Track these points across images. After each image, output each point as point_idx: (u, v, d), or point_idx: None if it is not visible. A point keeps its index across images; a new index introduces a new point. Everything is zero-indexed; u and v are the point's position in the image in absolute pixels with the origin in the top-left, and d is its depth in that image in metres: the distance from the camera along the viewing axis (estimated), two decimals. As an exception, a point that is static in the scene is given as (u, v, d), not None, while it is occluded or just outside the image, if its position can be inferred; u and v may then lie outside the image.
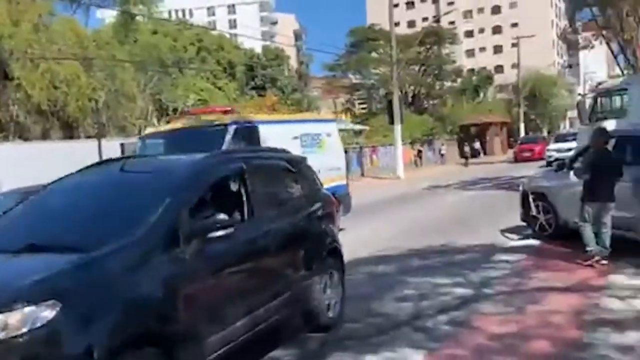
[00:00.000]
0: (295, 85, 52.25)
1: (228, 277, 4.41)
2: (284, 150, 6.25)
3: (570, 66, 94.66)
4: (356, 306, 6.31)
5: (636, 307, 5.79)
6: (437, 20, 60.20)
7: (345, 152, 15.57)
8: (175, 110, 32.83)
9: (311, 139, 11.78)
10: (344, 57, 52.56)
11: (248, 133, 10.11)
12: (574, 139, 25.07)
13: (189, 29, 46.37)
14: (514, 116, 56.42)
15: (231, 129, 9.91)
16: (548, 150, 29.82)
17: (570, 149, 21.86)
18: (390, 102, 30.59)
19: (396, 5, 71.41)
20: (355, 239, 10.25)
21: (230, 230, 4.26)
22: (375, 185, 26.02)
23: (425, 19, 67.20)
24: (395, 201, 18.25)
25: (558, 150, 27.34)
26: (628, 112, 11.22)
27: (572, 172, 8.37)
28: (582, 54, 70.58)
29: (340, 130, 18.58)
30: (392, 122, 29.83)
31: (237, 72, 46.38)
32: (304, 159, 6.49)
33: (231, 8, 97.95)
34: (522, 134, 54.92)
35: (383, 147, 35.56)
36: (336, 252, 6.08)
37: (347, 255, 6.61)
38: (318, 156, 10.49)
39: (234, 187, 4.84)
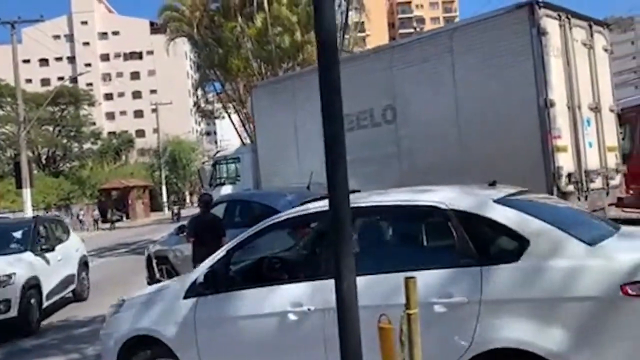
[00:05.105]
0: None
1: None
2: None
3: (208, 133, 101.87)
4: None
5: None
6: (74, 80, 58.13)
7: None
8: None
9: None
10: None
11: None
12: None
13: None
14: (157, 179, 57.52)
15: None
16: None
17: None
18: (17, 164, 27.93)
19: (27, 61, 66.80)
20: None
21: None
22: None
23: (61, 78, 63.94)
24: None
25: None
26: (241, 178, 12.52)
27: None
28: (219, 122, 76.69)
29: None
30: (19, 186, 27.25)
31: None
32: None
33: None
34: (165, 196, 56.26)
35: (12, 214, 32.06)
36: None
37: None
38: None
39: None
